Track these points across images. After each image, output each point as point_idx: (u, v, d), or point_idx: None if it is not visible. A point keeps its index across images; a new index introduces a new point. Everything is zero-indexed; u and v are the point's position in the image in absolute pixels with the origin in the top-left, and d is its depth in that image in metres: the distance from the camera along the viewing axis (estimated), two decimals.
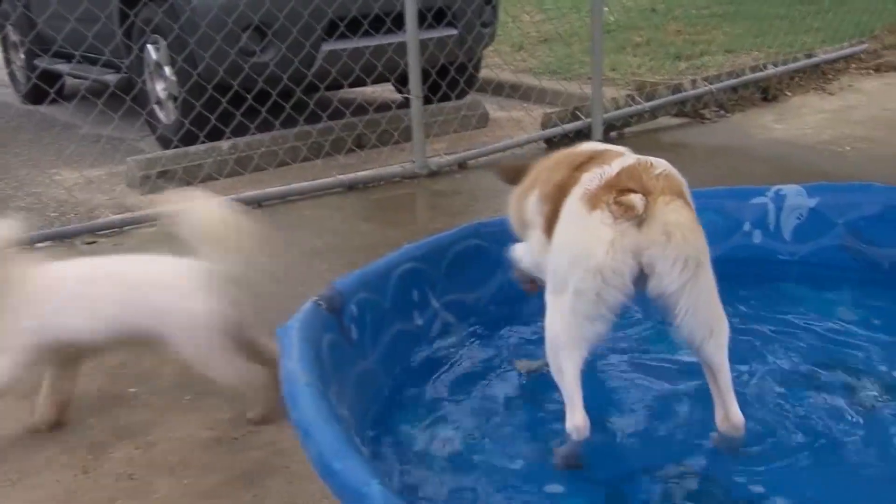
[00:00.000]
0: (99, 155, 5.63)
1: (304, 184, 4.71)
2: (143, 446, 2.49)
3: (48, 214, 4.70)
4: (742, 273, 2.90)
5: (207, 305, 2.37)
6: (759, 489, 1.97)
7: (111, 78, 6.18)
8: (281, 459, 2.37)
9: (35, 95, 7.81)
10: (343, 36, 5.44)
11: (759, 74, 6.18)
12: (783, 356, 2.53)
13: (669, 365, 2.46)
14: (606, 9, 8.11)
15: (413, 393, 2.37)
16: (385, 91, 6.95)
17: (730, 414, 2.01)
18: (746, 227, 2.97)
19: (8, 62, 8.47)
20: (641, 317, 2.63)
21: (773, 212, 2.96)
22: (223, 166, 5.11)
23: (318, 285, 2.36)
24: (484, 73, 6.89)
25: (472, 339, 2.64)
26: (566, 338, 1.93)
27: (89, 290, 2.47)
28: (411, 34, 4.72)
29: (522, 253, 2.35)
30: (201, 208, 2.42)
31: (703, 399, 2.24)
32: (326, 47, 5.46)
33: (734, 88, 6.05)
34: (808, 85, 6.45)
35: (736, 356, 2.46)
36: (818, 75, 6.59)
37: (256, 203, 4.59)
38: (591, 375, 2.24)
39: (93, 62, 6.31)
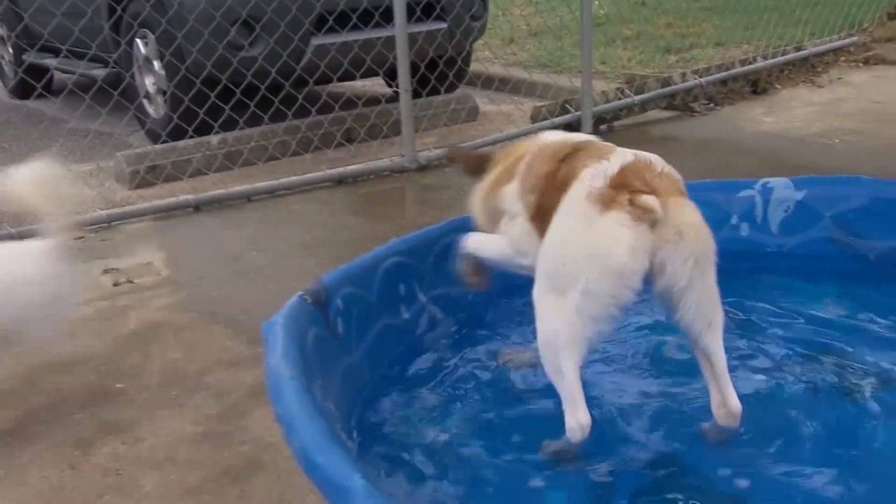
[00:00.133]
0: (87, 150, 5.60)
1: (293, 178, 4.70)
2: (129, 442, 2.48)
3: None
4: (730, 266, 2.87)
5: None
6: (744, 483, 1.97)
7: (99, 72, 6.15)
8: (268, 455, 2.36)
9: (22, 90, 7.80)
10: (332, 30, 5.43)
11: (748, 67, 6.19)
12: (770, 348, 2.53)
13: (654, 358, 2.46)
14: (596, 2, 8.12)
15: (399, 387, 2.37)
16: (374, 85, 6.94)
17: (728, 401, 2.03)
18: (734, 219, 2.97)
19: None
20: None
21: (760, 204, 2.96)
22: (212, 161, 5.09)
23: (306, 280, 2.35)
24: (474, 66, 6.88)
25: (460, 334, 2.64)
26: (567, 338, 1.91)
27: None
28: (400, 28, 4.71)
29: (489, 245, 2.29)
30: (24, 176, 2.43)
31: (690, 392, 2.25)
32: (315, 41, 5.45)
33: (724, 81, 6.05)
34: (797, 78, 6.47)
35: (729, 351, 2.49)
36: (807, 68, 6.60)
37: (246, 198, 4.59)
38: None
39: (80, 56, 6.28)
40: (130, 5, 5.62)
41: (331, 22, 5.34)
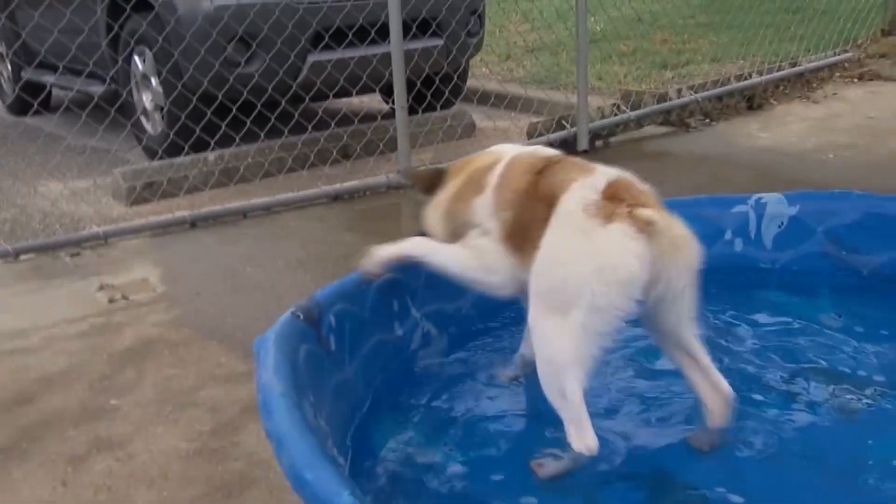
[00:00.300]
0: (84, 166, 5.63)
1: (289, 194, 4.71)
2: (122, 458, 2.48)
3: (33, 226, 4.68)
4: (723, 281, 2.90)
5: None
6: (738, 498, 1.97)
7: (96, 89, 6.17)
8: (261, 471, 2.36)
9: (20, 106, 7.81)
10: (328, 47, 5.45)
11: (744, 83, 6.21)
12: (764, 363, 2.53)
13: (643, 369, 2.46)
14: (592, 18, 8.15)
15: (393, 403, 2.37)
16: (371, 101, 6.96)
17: (720, 387, 2.06)
18: (728, 235, 2.98)
19: None
20: None
21: (753, 220, 2.97)
22: (209, 177, 5.10)
23: (301, 295, 2.36)
24: (470, 82, 6.90)
25: (453, 349, 2.64)
26: (572, 358, 1.89)
27: None
28: (396, 45, 4.72)
29: (445, 254, 2.22)
30: None
31: (680, 403, 2.25)
32: (312, 58, 5.46)
33: (719, 97, 6.07)
34: (792, 93, 6.49)
35: (716, 363, 2.49)
36: (803, 84, 6.63)
37: (242, 214, 4.60)
38: None
39: (78, 73, 6.30)
40: (128, 22, 5.64)
41: (327, 39, 5.36)
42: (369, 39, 5.45)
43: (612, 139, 5.65)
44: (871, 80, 6.79)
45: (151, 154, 5.80)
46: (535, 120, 5.63)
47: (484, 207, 2.15)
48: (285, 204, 4.67)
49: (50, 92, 7.70)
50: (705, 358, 2.06)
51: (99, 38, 5.88)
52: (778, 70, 6.49)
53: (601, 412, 2.22)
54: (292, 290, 3.47)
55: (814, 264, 2.92)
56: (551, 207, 1.98)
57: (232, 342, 3.13)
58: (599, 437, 2.05)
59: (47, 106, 7.43)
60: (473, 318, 2.70)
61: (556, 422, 2.05)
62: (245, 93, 5.13)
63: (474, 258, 2.18)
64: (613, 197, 1.91)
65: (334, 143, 5.44)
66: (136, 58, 5.78)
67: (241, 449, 2.48)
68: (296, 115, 5.25)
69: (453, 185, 2.27)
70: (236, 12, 5.18)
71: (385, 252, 2.32)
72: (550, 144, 5.20)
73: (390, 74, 4.81)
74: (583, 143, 5.37)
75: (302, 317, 2.16)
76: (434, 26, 5.85)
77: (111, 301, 3.60)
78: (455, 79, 6.41)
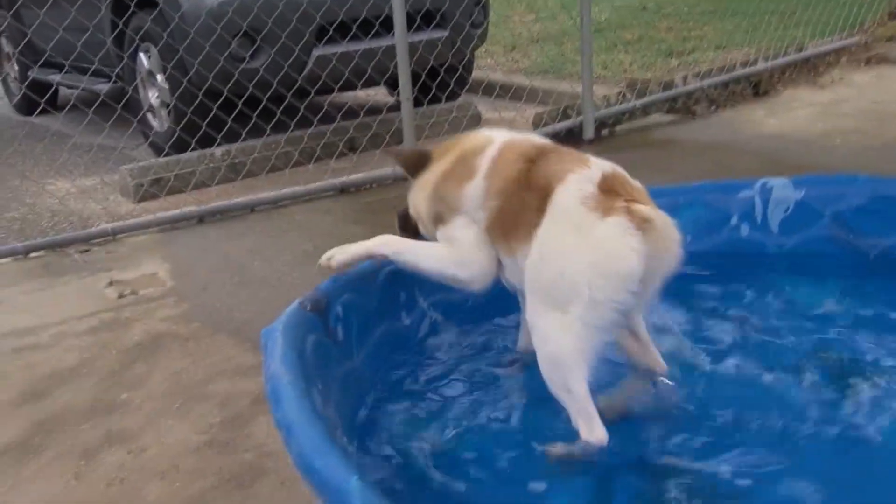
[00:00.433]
0: (91, 164, 5.65)
1: (296, 188, 4.72)
2: (134, 451, 2.50)
3: (42, 224, 4.71)
4: (730, 266, 2.91)
5: None
6: (745, 482, 1.97)
7: (103, 87, 6.19)
8: (271, 462, 2.37)
9: (27, 106, 7.84)
10: (333, 40, 5.45)
11: (749, 69, 6.19)
12: (772, 348, 2.53)
13: None
14: (597, 8, 8.13)
15: (401, 392, 2.38)
16: (376, 94, 6.97)
17: (655, 361, 2.18)
18: (734, 220, 2.97)
19: (0, 73, 8.49)
20: None
21: (759, 205, 2.96)
22: (216, 173, 5.12)
23: (308, 289, 2.36)
24: (476, 73, 6.90)
25: (460, 337, 2.64)
26: (575, 354, 1.90)
27: None
28: (400, 37, 4.72)
29: (417, 252, 2.23)
30: None
31: (688, 392, 2.26)
32: (316, 52, 5.47)
33: (725, 84, 6.05)
34: (799, 79, 6.46)
35: (725, 349, 2.50)
36: (809, 69, 6.60)
37: (249, 208, 4.61)
38: None
39: (84, 72, 6.32)
40: (133, 19, 5.65)
41: (332, 32, 5.37)
42: (373, 32, 5.45)
43: (618, 128, 5.64)
44: (879, 63, 6.74)
45: (158, 150, 5.82)
46: (540, 110, 5.63)
47: (473, 193, 2.13)
48: (292, 198, 4.68)
49: (56, 91, 7.74)
50: (647, 335, 2.17)
51: (104, 36, 5.89)
52: (784, 55, 6.46)
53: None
54: (300, 283, 3.49)
55: (821, 248, 2.91)
56: (545, 198, 1.96)
57: (240, 335, 3.15)
58: (607, 426, 2.06)
59: (54, 105, 7.45)
60: (481, 306, 2.70)
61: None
62: (250, 88, 5.14)
63: (448, 253, 2.17)
64: (610, 190, 1.91)
65: (340, 137, 5.45)
66: (142, 55, 5.79)
67: (252, 440, 2.49)
68: (302, 110, 5.25)
69: (441, 165, 2.24)
70: (240, 7, 5.18)
71: (353, 250, 2.30)
72: (556, 134, 5.22)
73: (395, 67, 4.81)
74: (588, 133, 5.36)
75: (309, 307, 2.17)
76: (438, 18, 5.84)
77: (120, 296, 3.62)
78: (460, 70, 6.41)
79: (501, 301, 2.68)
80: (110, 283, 3.76)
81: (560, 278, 1.90)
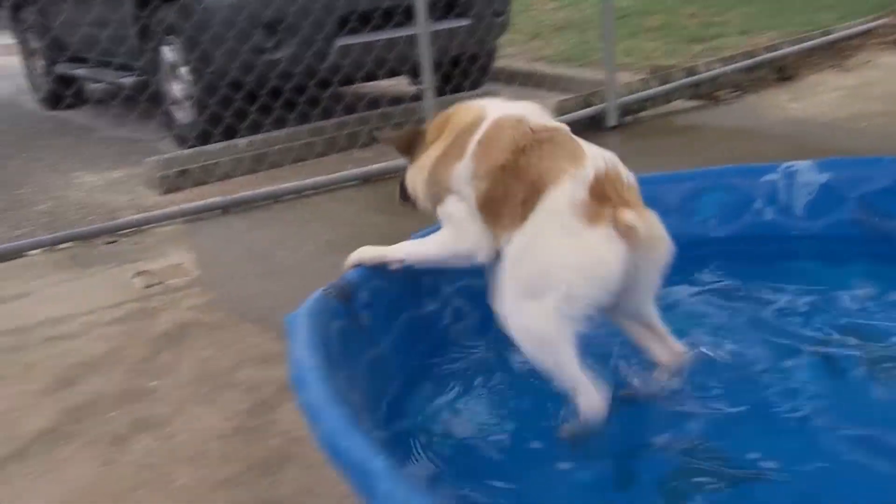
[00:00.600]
0: (117, 157, 5.71)
1: (320, 178, 4.75)
2: (162, 438, 2.53)
3: (69, 216, 4.76)
4: (754, 250, 2.90)
5: None
6: (770, 464, 1.97)
7: (127, 80, 6.25)
8: (298, 448, 2.40)
9: (54, 100, 7.92)
10: (354, 30, 5.47)
11: (774, 54, 6.15)
12: (797, 331, 2.52)
13: None
14: None
15: (426, 377, 2.39)
16: (399, 84, 6.98)
17: (674, 347, 2.17)
18: (757, 204, 2.95)
19: (28, 68, 8.58)
20: None
21: (783, 188, 2.94)
22: (240, 164, 5.15)
23: (332, 277, 2.38)
24: (498, 62, 6.89)
25: (484, 323, 2.64)
26: (556, 336, 1.95)
27: None
28: (422, 26, 4.73)
29: (423, 250, 2.27)
30: None
31: (710, 377, 2.25)
32: (339, 42, 5.49)
33: (749, 69, 6.02)
34: (824, 63, 6.40)
35: (748, 333, 2.49)
36: (835, 52, 6.53)
37: (273, 199, 4.64)
38: (594, 349, 2.27)
39: (109, 65, 6.38)
40: (156, 13, 5.70)
41: (353, 23, 5.38)
42: (395, 21, 5.46)
43: (642, 114, 5.62)
44: None
45: (182, 142, 5.86)
46: (563, 98, 5.62)
47: (461, 173, 2.13)
48: (315, 188, 4.71)
49: (82, 85, 7.81)
50: (661, 326, 2.16)
51: (128, 30, 5.94)
52: (809, 40, 6.40)
53: (632, 379, 2.23)
54: (323, 271, 3.47)
55: (846, 231, 2.89)
56: (535, 193, 1.98)
57: (266, 324, 3.17)
58: (629, 407, 2.07)
59: (80, 99, 7.53)
60: None
61: None
62: (273, 79, 5.16)
63: (447, 232, 2.20)
64: (601, 195, 1.95)
65: (363, 127, 5.46)
66: (165, 47, 5.83)
67: (278, 427, 2.52)
68: (324, 100, 5.27)
69: (437, 147, 2.23)
70: None
71: (370, 253, 2.36)
72: (579, 121, 5.21)
73: (417, 56, 4.82)
74: (611, 120, 5.35)
75: (333, 294, 2.18)
76: (460, 6, 5.84)
77: (147, 286, 3.66)
78: (482, 59, 6.41)
79: None
80: (137, 274, 3.80)
81: (542, 272, 1.96)
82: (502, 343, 2.53)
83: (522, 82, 6.31)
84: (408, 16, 5.15)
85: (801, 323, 2.57)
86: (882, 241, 2.87)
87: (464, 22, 5.93)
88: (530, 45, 8.39)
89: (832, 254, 2.88)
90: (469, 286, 2.64)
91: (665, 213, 2.87)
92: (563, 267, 1.94)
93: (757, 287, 2.77)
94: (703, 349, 2.36)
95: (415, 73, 5.80)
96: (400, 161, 4.91)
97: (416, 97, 5.58)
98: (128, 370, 2.96)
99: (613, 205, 1.95)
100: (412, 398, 2.30)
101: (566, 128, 2.15)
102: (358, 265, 2.36)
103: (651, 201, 2.90)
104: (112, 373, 2.95)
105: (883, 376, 2.28)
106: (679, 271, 2.77)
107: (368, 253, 2.35)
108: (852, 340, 2.44)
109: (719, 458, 2.00)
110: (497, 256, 2.11)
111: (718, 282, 2.80)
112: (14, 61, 8.81)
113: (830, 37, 6.56)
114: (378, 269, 2.40)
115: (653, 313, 2.14)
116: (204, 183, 5.01)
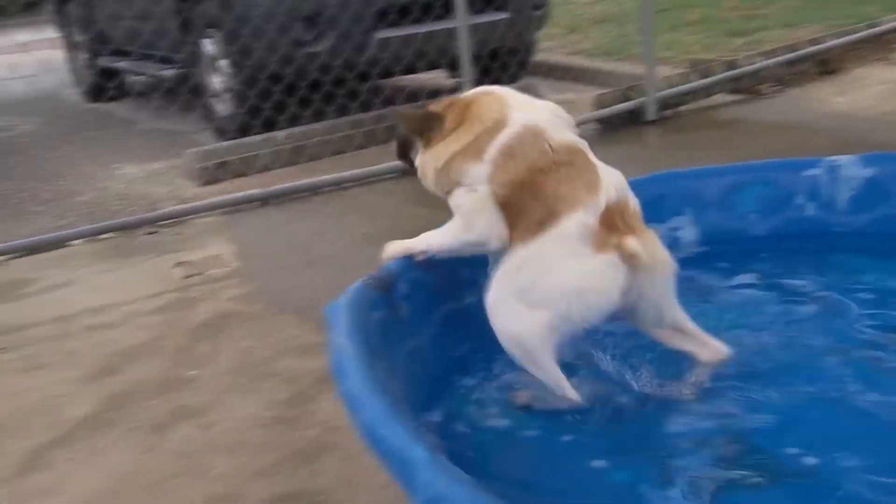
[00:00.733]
0: (157, 149, 5.77)
1: (358, 171, 4.76)
2: (202, 426, 2.56)
3: (111, 207, 4.83)
4: (796, 246, 2.86)
5: None
6: (812, 461, 1.94)
7: (168, 73, 6.31)
8: (336, 438, 2.41)
9: (96, 93, 8.02)
10: (394, 23, 5.48)
11: (818, 47, 6.06)
12: (840, 328, 2.48)
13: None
14: None
15: (465, 369, 2.39)
16: (438, 77, 6.98)
17: (714, 346, 2.17)
18: (799, 199, 2.91)
19: (71, 61, 8.69)
20: None
21: (826, 183, 2.90)
22: (279, 155, 5.18)
23: (370, 269, 2.39)
24: (537, 56, 6.87)
25: None
26: (538, 338, 2.03)
27: None
28: (461, 19, 4.73)
29: (441, 239, 2.28)
30: None
31: (753, 373, 2.23)
32: (378, 35, 5.50)
33: (792, 63, 5.94)
34: (870, 56, 6.30)
35: (790, 329, 2.46)
36: (881, 45, 6.42)
37: (312, 191, 4.66)
38: (637, 342, 2.25)
39: (150, 58, 6.44)
40: (197, 6, 5.74)
41: (393, 15, 5.39)
42: (434, 14, 5.46)
43: (682, 108, 5.57)
44: None
45: (222, 134, 5.91)
46: (602, 91, 5.58)
47: (478, 175, 2.14)
48: (354, 180, 4.72)
49: (124, 78, 7.90)
50: (692, 327, 2.18)
51: (169, 23, 6.00)
52: (854, 32, 6.30)
53: (671, 376, 2.21)
54: (362, 263, 3.48)
55: (890, 227, 2.84)
56: (550, 216, 2.03)
57: (304, 315, 3.19)
58: (668, 405, 2.06)
59: (121, 91, 7.62)
60: None
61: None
62: (313, 71, 5.18)
63: (458, 222, 2.22)
64: (609, 224, 2.02)
65: None
66: (206, 40, 5.88)
67: (317, 417, 2.53)
68: (363, 92, 5.29)
69: (455, 140, 2.20)
70: None
71: (398, 247, 2.37)
72: (618, 116, 5.18)
73: (456, 49, 4.81)
74: (651, 114, 5.31)
75: (373, 285, 2.19)
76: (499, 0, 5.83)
77: (187, 277, 3.70)
78: (521, 52, 6.39)
79: None
80: (177, 264, 3.85)
81: (542, 289, 2.02)
82: None
83: (561, 76, 6.28)
84: (447, 9, 5.15)
85: (842, 319, 2.53)
86: None
87: (503, 15, 5.91)
88: (568, 38, 8.35)
89: (876, 250, 2.84)
90: None
91: (705, 207, 2.90)
92: (564, 288, 2.01)
93: (798, 283, 2.73)
94: (743, 347, 2.34)
95: (453, 67, 5.80)
96: None
97: (455, 90, 5.58)
98: (168, 359, 2.99)
99: (620, 233, 2.02)
100: (450, 390, 2.30)
101: (585, 144, 2.16)
102: (393, 260, 2.37)
103: (691, 195, 2.91)
104: (152, 361, 2.98)
105: None
106: (719, 267, 2.79)
107: (397, 248, 2.37)
108: None
109: (760, 457, 1.98)
110: (506, 248, 2.14)
111: (759, 277, 2.76)
112: (58, 55, 8.94)
113: (876, 29, 6.45)
114: (418, 261, 2.41)
115: (681, 317, 2.16)
116: (243, 175, 5.05)
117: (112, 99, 7.60)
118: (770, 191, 2.90)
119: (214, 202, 4.56)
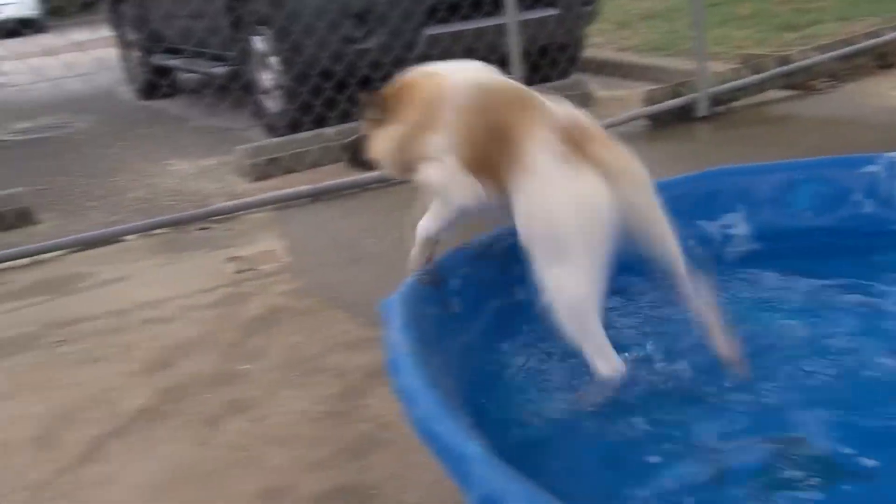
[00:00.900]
0: (208, 145, 5.84)
1: None
2: (255, 420, 2.59)
3: (163, 203, 4.89)
4: (851, 244, 2.81)
5: None
6: (870, 462, 1.91)
7: (219, 70, 6.38)
8: (387, 433, 2.42)
9: (149, 90, 8.14)
10: (443, 20, 5.48)
11: (874, 41, 5.94)
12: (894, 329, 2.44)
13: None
14: None
15: (516, 366, 2.39)
16: None
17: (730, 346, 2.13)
18: (856, 196, 2.86)
19: (125, 60, 8.83)
20: None
21: (885, 180, 2.85)
22: (329, 152, 5.21)
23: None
24: (586, 52, 6.83)
25: None
26: (591, 299, 2.04)
27: None
28: (511, 15, 4.72)
29: (434, 217, 2.31)
30: None
31: (806, 371, 2.20)
32: (427, 32, 5.51)
33: (847, 57, 5.83)
34: None
35: (844, 329, 2.42)
36: None
37: (361, 187, 4.68)
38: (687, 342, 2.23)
39: (202, 56, 6.51)
40: (248, 4, 5.80)
41: (442, 12, 5.39)
42: (484, 11, 5.46)
43: (734, 104, 5.50)
44: None
45: (272, 131, 5.96)
46: (652, 87, 5.54)
47: (440, 145, 2.16)
48: None
49: (175, 76, 8.00)
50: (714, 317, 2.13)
51: (221, 21, 6.06)
52: None
53: (722, 373, 2.19)
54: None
55: None
56: (514, 149, 2.05)
57: (354, 310, 3.21)
58: (721, 399, 2.04)
59: (174, 89, 7.72)
60: None
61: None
62: (363, 68, 5.21)
63: (436, 198, 2.25)
64: (571, 140, 2.04)
65: None
66: (256, 38, 5.94)
67: (368, 412, 2.55)
68: None
69: (405, 119, 2.23)
70: None
71: (415, 250, 2.38)
72: (669, 112, 5.13)
73: (506, 45, 4.80)
74: (702, 110, 5.25)
75: (426, 280, 2.20)
76: None
77: (239, 272, 3.74)
78: (571, 48, 6.36)
79: (617, 281, 2.67)
80: (229, 259, 3.89)
81: (554, 232, 2.04)
82: None
83: (610, 72, 6.24)
84: (496, 5, 5.14)
85: None
86: None
87: (552, 11, 5.89)
88: (618, 34, 8.29)
89: None
90: None
91: (758, 204, 2.86)
92: (569, 216, 2.01)
93: (853, 282, 2.69)
94: (797, 345, 2.31)
95: (503, 63, 5.78)
96: None
97: None
98: (221, 353, 3.03)
99: (585, 150, 2.03)
100: (502, 386, 2.30)
101: (524, 86, 2.23)
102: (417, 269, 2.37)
103: (744, 192, 2.88)
104: (206, 355, 3.02)
105: None
106: (773, 264, 2.75)
107: (412, 258, 2.38)
108: None
109: (813, 455, 1.96)
110: (495, 200, 2.15)
111: (813, 275, 2.72)
112: (111, 53, 9.08)
113: None
114: (471, 255, 2.42)
115: (681, 269, 2.11)
116: (293, 171, 5.09)
117: (164, 96, 7.70)
118: (825, 188, 2.86)
119: (265, 198, 4.60)
